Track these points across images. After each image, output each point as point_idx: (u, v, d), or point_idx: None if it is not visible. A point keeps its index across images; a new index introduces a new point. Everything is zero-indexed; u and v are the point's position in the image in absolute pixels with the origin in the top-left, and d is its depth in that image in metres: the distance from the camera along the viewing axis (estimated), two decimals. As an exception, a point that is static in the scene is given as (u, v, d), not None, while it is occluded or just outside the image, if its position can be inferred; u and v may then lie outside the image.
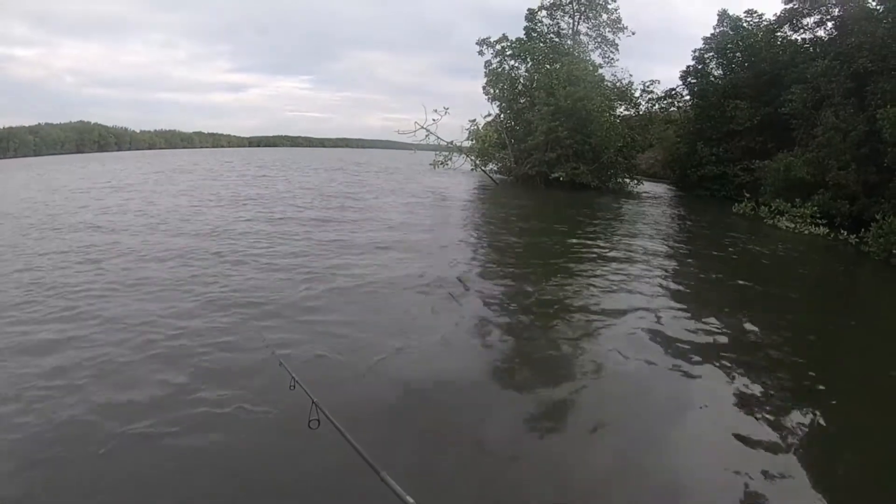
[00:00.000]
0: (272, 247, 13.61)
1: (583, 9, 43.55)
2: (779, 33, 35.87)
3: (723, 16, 40.66)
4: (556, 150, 37.03)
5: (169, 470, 4.80)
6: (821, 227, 22.89)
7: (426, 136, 38.68)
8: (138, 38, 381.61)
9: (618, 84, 42.76)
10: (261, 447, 5.14)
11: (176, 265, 11.55)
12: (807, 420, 6.40)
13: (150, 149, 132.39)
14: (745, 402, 6.71)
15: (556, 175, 36.83)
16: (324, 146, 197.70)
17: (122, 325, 7.89)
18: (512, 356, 7.91)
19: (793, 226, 23.56)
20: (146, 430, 5.25)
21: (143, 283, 10.14)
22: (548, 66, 39.53)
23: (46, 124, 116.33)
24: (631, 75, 44.27)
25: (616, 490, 4.99)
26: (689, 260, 16.42)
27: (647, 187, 42.96)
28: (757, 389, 7.05)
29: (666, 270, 14.10)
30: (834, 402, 7.01)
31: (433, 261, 13.19)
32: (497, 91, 41.08)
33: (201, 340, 7.40)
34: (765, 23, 37.80)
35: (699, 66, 42.29)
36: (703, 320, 9.85)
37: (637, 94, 43.87)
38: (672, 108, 46.85)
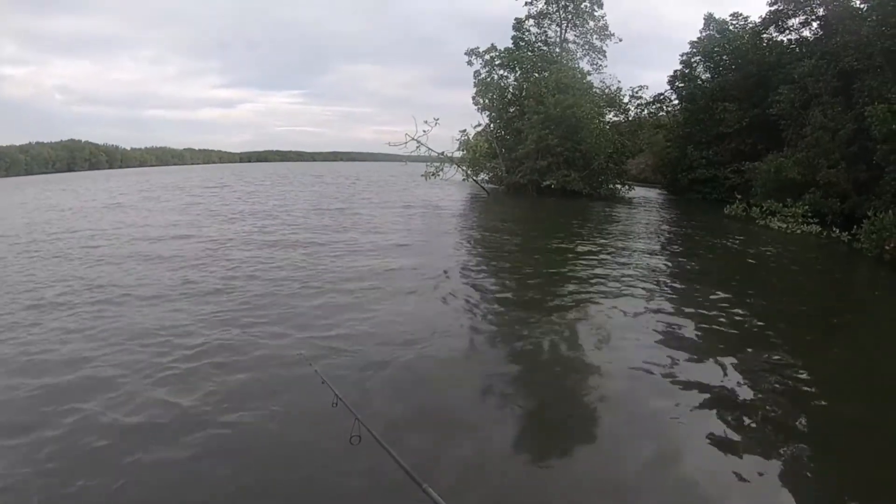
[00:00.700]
0: (276, 264, 13.59)
1: (570, 17, 43.64)
2: (764, 35, 36.04)
3: (709, 19, 40.92)
4: (547, 157, 37.11)
5: (211, 486, 4.81)
6: (813, 226, 22.80)
7: (417, 147, 38.60)
8: (128, 54, 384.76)
9: (606, 90, 42.97)
10: (304, 464, 5.14)
11: (194, 280, 11.71)
12: (804, 419, 6.30)
13: (141, 166, 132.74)
14: (741, 402, 6.63)
15: (548, 183, 36.93)
16: (315, 160, 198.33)
17: (156, 339, 8.05)
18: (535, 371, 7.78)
19: (785, 226, 23.49)
20: (186, 449, 5.27)
21: (168, 299, 10.28)
22: (536, 75, 39.65)
23: (37, 143, 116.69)
24: (619, 81, 44.38)
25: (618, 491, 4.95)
26: (682, 261, 16.37)
27: (639, 192, 43.06)
28: (753, 389, 6.96)
29: (659, 274, 14.02)
30: (830, 399, 6.89)
31: (444, 269, 13.29)
32: (487, 101, 41.09)
33: (232, 357, 7.44)
34: (750, 25, 38.00)
35: (686, 71, 42.46)
36: (697, 320, 9.87)
37: (626, 99, 44.12)
38: (661, 113, 47.01)
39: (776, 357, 8.19)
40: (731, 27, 39.49)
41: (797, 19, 33.55)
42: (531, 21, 44.12)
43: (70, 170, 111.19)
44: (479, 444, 5.56)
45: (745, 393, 6.90)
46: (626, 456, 5.43)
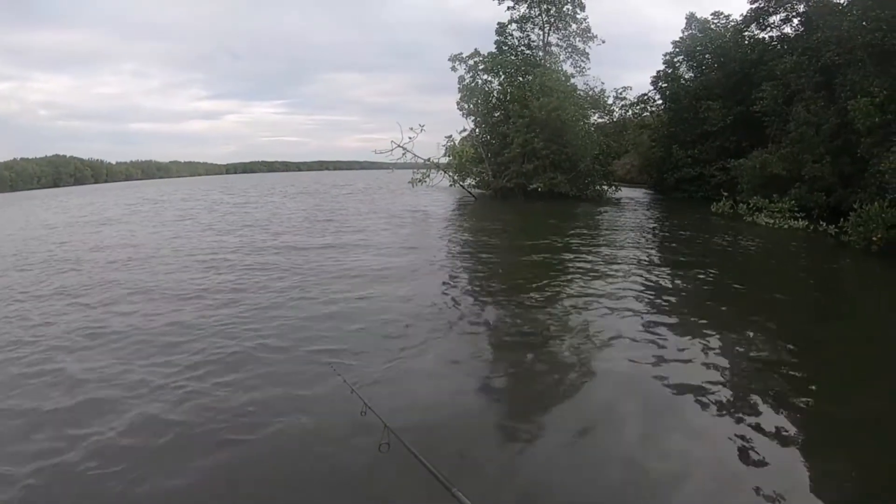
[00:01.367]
0: (279, 274, 13.59)
1: (552, 20, 43.69)
2: (746, 33, 36.14)
3: (691, 19, 41.10)
4: (533, 161, 37.15)
5: (243, 497, 4.91)
6: (800, 221, 22.78)
7: (403, 154, 38.43)
8: (110, 68, 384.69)
9: (590, 92, 42.93)
10: (335, 472, 5.14)
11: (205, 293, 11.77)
12: (797, 413, 6.24)
13: (126, 180, 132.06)
14: (734, 398, 6.60)
15: (535, 186, 36.91)
16: (301, 170, 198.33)
17: (178, 354, 8.03)
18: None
19: (772, 221, 23.47)
20: (218, 461, 5.32)
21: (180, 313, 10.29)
22: (521, 79, 39.71)
23: (22, 159, 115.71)
24: (603, 83, 44.54)
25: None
26: (671, 260, 16.29)
27: (626, 193, 43.12)
28: (747, 386, 6.98)
29: (648, 272, 14.04)
30: (823, 392, 6.81)
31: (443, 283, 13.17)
32: (471, 106, 41.02)
33: (257, 370, 7.43)
34: (732, 23, 38.18)
35: (670, 71, 42.59)
36: (690, 318, 9.99)
37: (610, 101, 44.32)
38: (645, 114, 47.26)
39: (764, 351, 8.15)
40: (712, 26, 39.63)
41: (778, 16, 33.69)
42: (514, 25, 44.09)
43: (55, 185, 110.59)
44: (507, 447, 5.60)
45: (735, 388, 6.87)
46: (651, 459, 5.34)
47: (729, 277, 13.84)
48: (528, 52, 43.90)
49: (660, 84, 43.38)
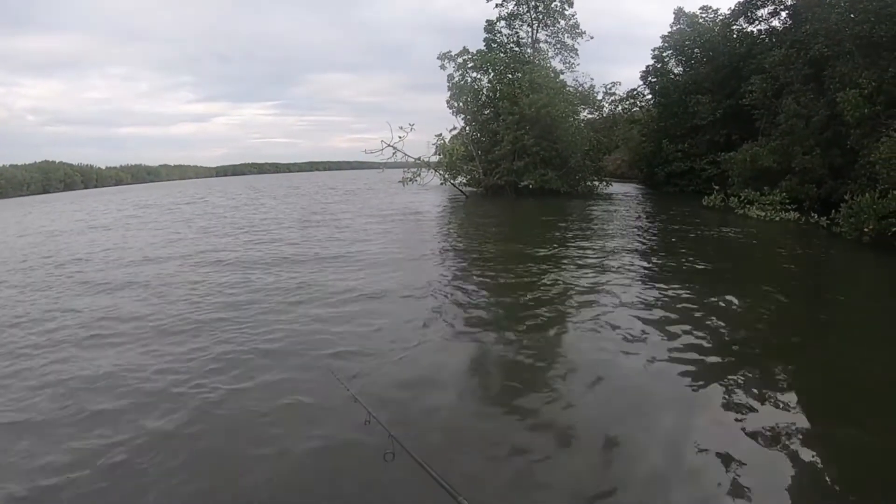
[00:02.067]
0: (277, 280, 13.40)
1: (541, 17, 43.67)
2: (734, 26, 36.20)
3: (679, 13, 41.22)
4: (524, 158, 37.09)
5: None
6: (791, 213, 22.79)
7: (394, 154, 38.31)
8: (98, 72, 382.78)
9: (580, 88, 42.94)
10: (339, 482, 5.08)
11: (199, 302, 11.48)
12: (794, 408, 6.20)
13: (117, 185, 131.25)
14: (731, 394, 6.55)
15: (526, 183, 36.82)
16: (291, 171, 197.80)
17: (177, 360, 8.00)
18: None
19: (763, 213, 23.48)
20: (224, 470, 5.29)
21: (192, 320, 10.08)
22: (510, 76, 39.62)
23: (11, 165, 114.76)
24: (592, 79, 44.81)
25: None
26: (664, 254, 16.24)
27: (617, 188, 43.10)
28: (744, 381, 6.87)
29: (641, 266, 14.13)
30: (820, 388, 6.85)
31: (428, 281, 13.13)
32: (461, 104, 40.90)
33: (258, 378, 7.34)
34: (720, 17, 38.35)
35: (659, 65, 42.76)
36: (685, 315, 9.83)
37: (599, 96, 44.20)
38: (635, 109, 47.29)
39: (760, 345, 8.12)
40: (701, 20, 39.80)
41: (766, 9, 33.76)
42: (502, 23, 44.04)
43: (45, 191, 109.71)
44: (513, 456, 5.44)
45: (732, 384, 6.80)
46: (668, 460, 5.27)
47: (722, 269, 13.83)
48: (516, 49, 43.81)
49: (649, 79, 43.55)
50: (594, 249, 16.46)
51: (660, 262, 14.90)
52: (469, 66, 40.77)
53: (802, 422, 5.86)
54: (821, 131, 24.04)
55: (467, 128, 42.70)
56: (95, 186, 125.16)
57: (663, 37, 41.98)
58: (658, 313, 9.77)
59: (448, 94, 41.16)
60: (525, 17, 43.93)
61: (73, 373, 7.59)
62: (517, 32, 44.56)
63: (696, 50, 39.09)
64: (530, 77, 37.51)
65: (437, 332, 9.12)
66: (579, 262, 14.56)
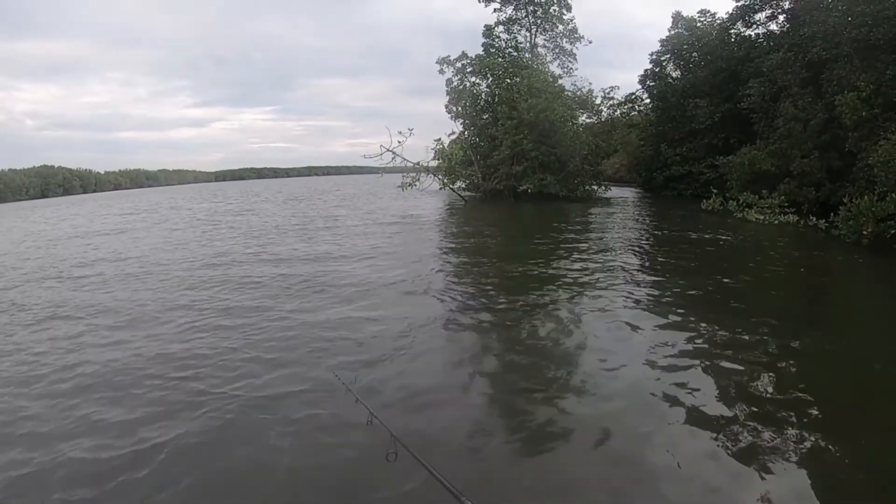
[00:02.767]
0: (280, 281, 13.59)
1: (539, 21, 43.88)
2: (732, 30, 36.29)
3: (677, 17, 41.30)
4: (522, 162, 37.08)
5: None
6: (790, 216, 22.79)
7: (392, 158, 38.39)
8: (97, 77, 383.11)
9: (578, 93, 42.99)
10: (342, 483, 5.08)
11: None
12: (796, 411, 6.09)
13: (115, 189, 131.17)
14: (730, 394, 6.54)
15: (524, 187, 36.77)
16: (290, 176, 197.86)
17: (179, 366, 7.93)
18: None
19: (762, 217, 23.44)
20: (227, 469, 5.35)
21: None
22: (508, 81, 39.59)
23: (10, 170, 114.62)
24: (590, 83, 44.84)
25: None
26: (663, 258, 16.23)
27: (615, 192, 43.06)
28: (747, 381, 6.87)
29: (641, 271, 14.13)
30: (822, 388, 6.76)
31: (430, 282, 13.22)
32: (460, 108, 40.99)
33: (260, 379, 7.37)
34: (718, 21, 38.40)
35: (657, 69, 42.82)
36: (684, 316, 9.86)
37: (598, 101, 44.37)
38: (633, 113, 47.45)
39: (761, 348, 8.08)
40: (699, 24, 39.83)
41: (764, 13, 33.86)
42: (501, 27, 44.28)
43: (44, 196, 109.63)
44: (517, 457, 5.46)
45: (732, 385, 6.80)
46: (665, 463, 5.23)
47: (721, 273, 13.76)
48: (515, 53, 43.84)
49: (647, 83, 43.60)
50: (593, 252, 16.52)
51: (659, 266, 14.93)
52: (468, 70, 40.89)
53: (805, 422, 5.82)
54: (819, 134, 24.04)
55: (466, 132, 42.75)
56: (94, 191, 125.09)
57: (662, 41, 42.08)
58: (658, 318, 9.74)
59: (447, 98, 41.29)
60: (523, 21, 44.19)
61: (66, 379, 7.58)
62: (516, 37, 44.80)
63: (694, 54, 39.12)
64: (529, 81, 37.51)
65: (437, 334, 9.13)
66: (578, 264, 14.56)
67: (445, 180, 42.10)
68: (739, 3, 34.34)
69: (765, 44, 32.84)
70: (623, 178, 51.62)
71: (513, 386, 7.11)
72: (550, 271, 13.88)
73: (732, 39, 36.16)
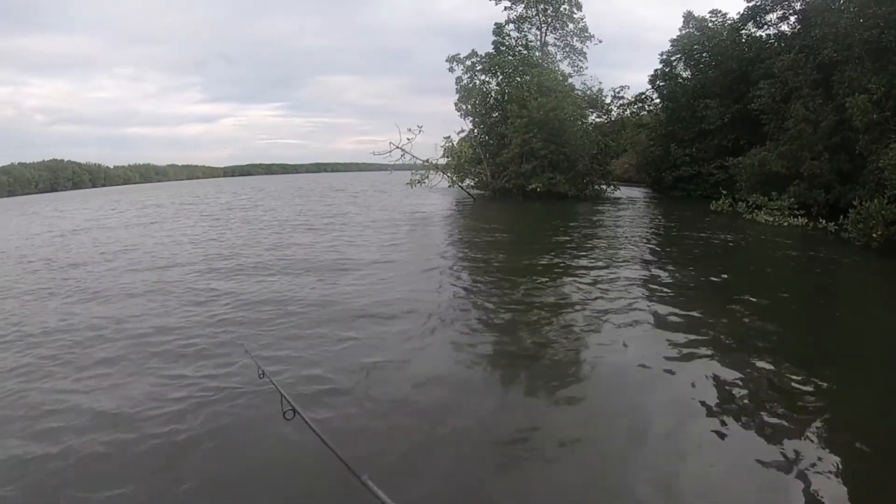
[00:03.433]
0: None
1: (549, 20, 43.85)
2: (743, 31, 36.14)
3: (688, 17, 41.12)
4: (532, 161, 37.12)
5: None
6: (799, 218, 22.77)
7: (402, 155, 38.43)
8: (107, 73, 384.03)
9: (588, 92, 42.97)
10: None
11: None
12: (802, 412, 6.18)
13: (125, 184, 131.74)
14: (737, 397, 6.58)
15: (533, 186, 36.85)
16: (298, 172, 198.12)
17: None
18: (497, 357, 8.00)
19: (771, 219, 23.44)
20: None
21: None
22: (518, 79, 39.67)
23: (20, 164, 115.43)
24: (601, 83, 44.66)
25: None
26: (672, 259, 16.17)
27: (624, 192, 43.00)
28: (751, 384, 6.90)
29: (650, 271, 14.12)
30: (827, 389, 6.78)
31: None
32: (469, 106, 41.09)
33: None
34: (729, 21, 38.16)
35: (667, 69, 42.69)
36: (691, 316, 9.93)
37: (608, 100, 44.34)
38: (643, 112, 47.36)
39: (768, 349, 8.15)
40: (710, 24, 39.62)
41: (775, 14, 33.66)
42: (511, 25, 44.32)
43: (53, 190, 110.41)
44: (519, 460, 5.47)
45: (739, 387, 6.86)
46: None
47: (730, 274, 13.83)
48: (525, 52, 43.94)
49: (657, 83, 43.48)
50: (602, 253, 16.60)
51: (668, 266, 14.88)
52: (478, 68, 41.04)
53: (814, 423, 5.88)
54: (829, 136, 23.99)
55: (475, 130, 42.86)
56: (104, 185, 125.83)
57: (672, 40, 41.87)
58: (666, 319, 9.79)
59: (456, 96, 41.41)
60: (534, 20, 44.15)
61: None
62: (526, 35, 44.84)
63: (704, 54, 38.93)
64: (539, 80, 37.58)
65: (439, 337, 9.16)
66: (586, 265, 14.65)
67: (454, 178, 42.16)
68: (750, 4, 34.15)
69: (776, 45, 32.68)
70: (632, 177, 51.48)
71: (515, 386, 7.30)
72: (558, 271, 13.98)
73: (743, 40, 36.02)
